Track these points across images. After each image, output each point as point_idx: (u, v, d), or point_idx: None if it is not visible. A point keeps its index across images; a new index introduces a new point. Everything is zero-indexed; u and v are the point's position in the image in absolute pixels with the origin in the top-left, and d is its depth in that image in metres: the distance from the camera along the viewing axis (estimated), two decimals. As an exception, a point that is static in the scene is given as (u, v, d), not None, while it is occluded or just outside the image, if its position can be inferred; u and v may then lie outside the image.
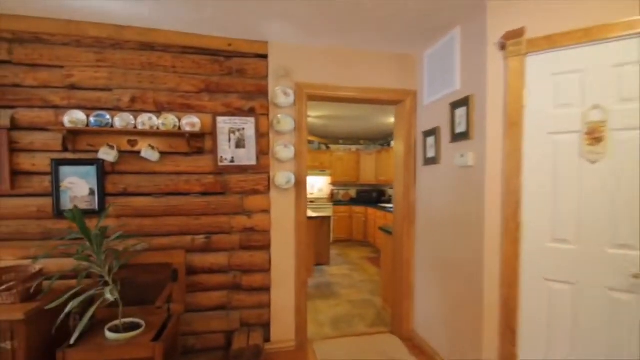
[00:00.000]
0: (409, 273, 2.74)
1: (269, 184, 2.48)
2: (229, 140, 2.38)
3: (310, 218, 4.61)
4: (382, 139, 7.69)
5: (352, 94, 2.59)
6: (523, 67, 1.80)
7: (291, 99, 2.47)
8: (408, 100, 2.68)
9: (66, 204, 2.18)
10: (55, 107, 2.20)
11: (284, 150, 2.47)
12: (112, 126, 2.21)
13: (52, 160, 2.16)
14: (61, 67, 2.22)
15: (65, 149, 2.19)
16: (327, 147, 7.78)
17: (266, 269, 2.49)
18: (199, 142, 2.37)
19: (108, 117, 2.21)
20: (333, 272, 4.94)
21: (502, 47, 1.84)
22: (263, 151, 2.46)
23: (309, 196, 7.68)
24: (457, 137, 2.13)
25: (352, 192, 8.00)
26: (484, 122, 1.89)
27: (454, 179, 2.17)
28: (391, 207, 5.88)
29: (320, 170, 7.59)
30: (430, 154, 2.46)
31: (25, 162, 2.15)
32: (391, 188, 7.05)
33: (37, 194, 2.17)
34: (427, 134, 2.50)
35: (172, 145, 2.32)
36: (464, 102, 2.04)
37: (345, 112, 5.13)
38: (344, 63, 2.58)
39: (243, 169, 2.42)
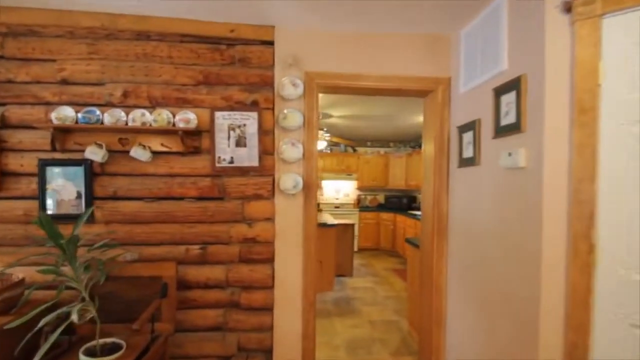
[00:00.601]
0: (440, 298, 2.28)
1: (273, 188, 2.16)
2: (228, 137, 2.09)
3: (332, 225, 4.24)
4: (413, 141, 7.15)
5: (372, 84, 2.21)
6: (598, 33, 1.32)
7: (300, 90, 2.14)
8: (439, 90, 2.25)
9: (53, 208, 2.01)
10: (47, 103, 2.05)
11: (290, 149, 2.14)
12: (102, 123, 2.01)
13: (39, 160, 2.00)
14: (53, 60, 2.06)
15: (54, 149, 2.02)
16: (354, 150, 7.39)
17: (269, 286, 2.16)
18: (195, 141, 2.11)
19: (98, 113, 2.02)
20: (355, 284, 4.53)
21: (567, 8, 1.38)
22: (267, 150, 2.15)
23: (334, 201, 7.33)
24: (502, 131, 1.68)
25: (380, 198, 7.52)
26: (542, 109, 1.43)
27: (499, 184, 1.72)
28: (422, 215, 5.35)
29: (347, 174, 7.21)
30: (467, 153, 2.00)
31: (14, 162, 2.01)
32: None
33: (25, 196, 2.02)
34: (463, 128, 2.06)
35: (165, 143, 2.08)
36: (513, 85, 1.59)
37: (371, 111, 4.73)
38: (363, 48, 2.21)
39: (244, 171, 2.12)
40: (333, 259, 4.26)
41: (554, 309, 1.39)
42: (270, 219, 2.16)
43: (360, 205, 7.36)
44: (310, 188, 2.19)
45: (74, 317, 1.50)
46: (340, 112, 4.78)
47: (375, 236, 6.91)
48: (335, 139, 5.73)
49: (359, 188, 7.41)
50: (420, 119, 5.14)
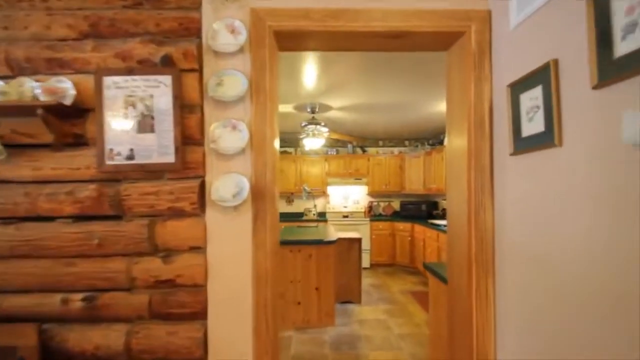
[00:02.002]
0: (486, 373, 1.36)
1: (203, 199, 1.34)
2: (126, 117, 1.30)
3: (330, 242, 3.38)
4: (432, 137, 6.20)
5: (361, 25, 1.36)
6: None
7: (242, 38, 1.33)
8: (472, 31, 1.37)
9: None
10: None
11: (229, 135, 1.33)
12: None
13: None
14: None
15: None
16: (363, 150, 6.51)
17: (197, 358, 1.33)
18: (76, 125, 1.33)
19: None
20: (364, 315, 3.61)
21: None
22: (190, 137, 1.34)
23: (342, 210, 6.46)
24: (622, 69, 0.79)
25: (395, 205, 6.57)
26: None
27: (618, 179, 0.82)
28: (446, 225, 4.40)
29: (356, 178, 6.33)
30: (533, 126, 1.11)
31: None
32: (445, 199, 5.51)
33: None
34: (521, 85, 1.17)
35: (21, 130, 1.31)
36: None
37: (378, 98, 3.86)
38: (344, -28, 1.37)
39: (152, 172, 1.32)
40: (332, 284, 3.37)
41: None
42: (198, 249, 1.34)
43: (372, 213, 6.44)
44: (262, 196, 1.35)
45: None
46: (339, 101, 3.94)
47: (390, 249, 5.96)
48: (335, 136, 4.85)
49: (370, 194, 6.50)
50: (441, 107, 4.24)
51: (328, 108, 4.18)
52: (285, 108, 4.18)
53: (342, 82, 3.32)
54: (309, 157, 6.24)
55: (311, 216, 6.07)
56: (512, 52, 1.25)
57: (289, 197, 6.46)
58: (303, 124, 4.20)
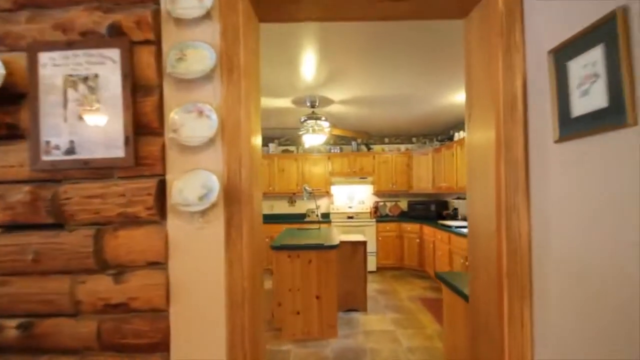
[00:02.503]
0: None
1: (162, 203, 1.09)
2: (65, 102, 1.05)
3: (331, 247, 3.11)
4: (442, 132, 5.89)
5: (357, -14, 1.09)
6: None
7: (209, 1, 1.07)
8: (499, -12, 1.09)
9: None
10: None
11: (194, 122, 1.07)
12: None
13: None
14: None
15: None
16: (368, 148, 6.22)
17: (158, 402, 1.07)
18: (9, 114, 1.08)
19: None
20: (369, 325, 3.34)
21: None
22: (145, 125, 1.08)
23: (346, 211, 6.18)
24: None
25: (403, 205, 6.27)
26: None
27: None
28: (458, 227, 4.10)
29: (361, 177, 6.04)
30: (587, 103, 0.83)
31: None
32: (457, 198, 5.20)
33: None
34: (569, 49, 0.88)
35: (-62, 119, 1.07)
36: None
37: (383, 91, 3.58)
38: None
39: (98, 169, 1.06)
40: (335, 292, 3.10)
41: None
42: (157, 265, 1.08)
43: (378, 214, 6.15)
44: (237, 199, 1.08)
45: None
46: (341, 94, 3.66)
47: (398, 252, 5.66)
48: (338, 132, 4.55)
49: (376, 194, 6.21)
50: (451, 98, 3.93)
51: (329, 101, 3.91)
52: (283, 102, 3.92)
53: (343, 71, 3.04)
54: (312, 156, 5.98)
55: (314, 217, 5.81)
56: (554, 9, 0.96)
57: (291, 198, 6.21)
58: (302, 119, 3.94)
